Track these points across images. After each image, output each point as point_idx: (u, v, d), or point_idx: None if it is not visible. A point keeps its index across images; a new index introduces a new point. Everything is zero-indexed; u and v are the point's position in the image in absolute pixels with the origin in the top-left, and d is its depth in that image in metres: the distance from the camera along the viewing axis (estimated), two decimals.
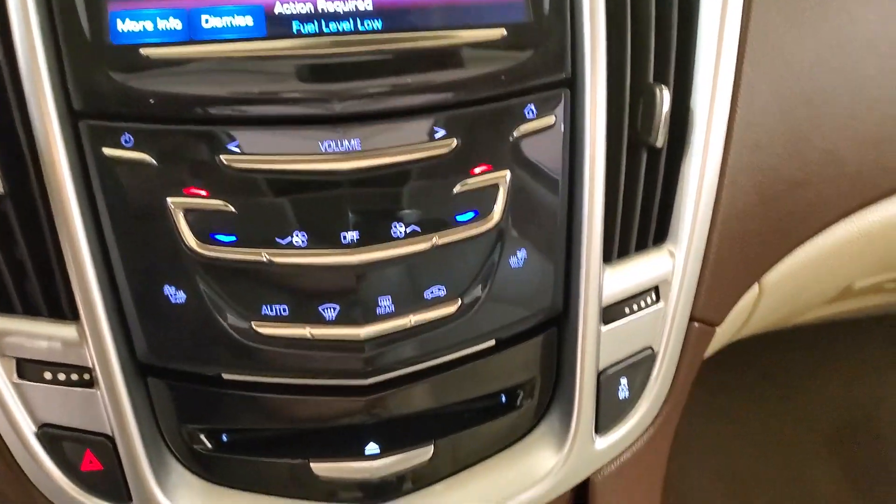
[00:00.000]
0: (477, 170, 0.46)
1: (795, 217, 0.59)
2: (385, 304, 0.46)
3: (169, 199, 0.43)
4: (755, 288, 0.61)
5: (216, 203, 0.43)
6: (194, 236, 0.43)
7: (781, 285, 0.63)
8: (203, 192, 0.43)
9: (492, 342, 0.50)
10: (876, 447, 1.35)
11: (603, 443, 0.53)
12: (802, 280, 0.66)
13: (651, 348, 0.54)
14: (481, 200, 0.46)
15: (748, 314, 0.62)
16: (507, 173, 0.46)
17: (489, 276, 0.47)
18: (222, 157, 0.42)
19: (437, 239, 0.45)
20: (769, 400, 1.39)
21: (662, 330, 0.54)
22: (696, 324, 0.56)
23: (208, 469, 0.50)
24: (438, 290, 0.47)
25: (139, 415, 0.46)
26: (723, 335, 0.64)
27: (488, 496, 0.50)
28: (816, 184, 0.59)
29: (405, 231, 0.45)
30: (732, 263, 0.57)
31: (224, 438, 0.49)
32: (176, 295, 0.44)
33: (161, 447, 0.49)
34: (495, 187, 0.46)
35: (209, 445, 0.49)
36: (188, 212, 0.43)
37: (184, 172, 0.42)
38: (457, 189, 0.45)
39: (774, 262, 0.60)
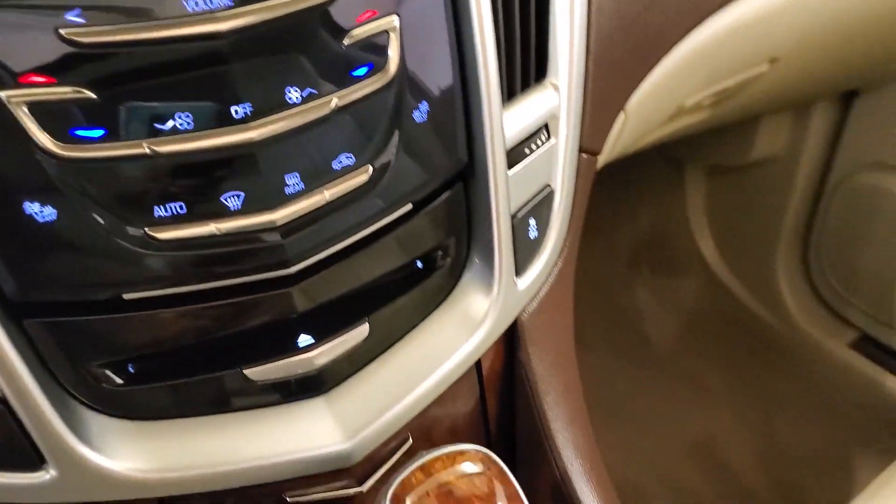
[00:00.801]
0: (363, 17, 0.41)
1: (649, 39, 0.61)
2: (293, 182, 0.41)
3: (2, 94, 0.34)
4: (622, 114, 0.63)
5: (66, 91, 0.35)
6: (50, 136, 0.36)
7: (639, 109, 0.66)
8: (46, 79, 0.35)
9: (409, 206, 0.47)
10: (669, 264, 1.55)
11: (524, 283, 0.54)
12: (653, 102, 0.69)
13: (549, 185, 0.55)
14: (374, 51, 0.42)
15: (614, 140, 0.65)
16: (395, 18, 0.42)
17: (396, 135, 0.44)
18: (62, 30, 0.34)
19: (337, 100, 0.41)
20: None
21: (557, 166, 0.55)
22: (584, 155, 0.57)
23: (130, 406, 0.44)
24: (347, 159, 0.43)
25: (31, 365, 0.39)
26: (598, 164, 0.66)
27: (432, 357, 0.49)
28: (661, 3, 0.61)
29: (301, 95, 0.40)
30: (606, 91, 0.58)
31: (139, 368, 0.43)
32: (42, 212, 0.37)
33: (65, 396, 0.42)
34: (385, 35, 0.42)
35: (121, 380, 0.42)
36: (34, 106, 0.35)
37: (13, 56, 0.34)
38: (347, 41, 0.41)
39: (636, 87, 0.62)
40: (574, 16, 0.53)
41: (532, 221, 0.53)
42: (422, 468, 0.36)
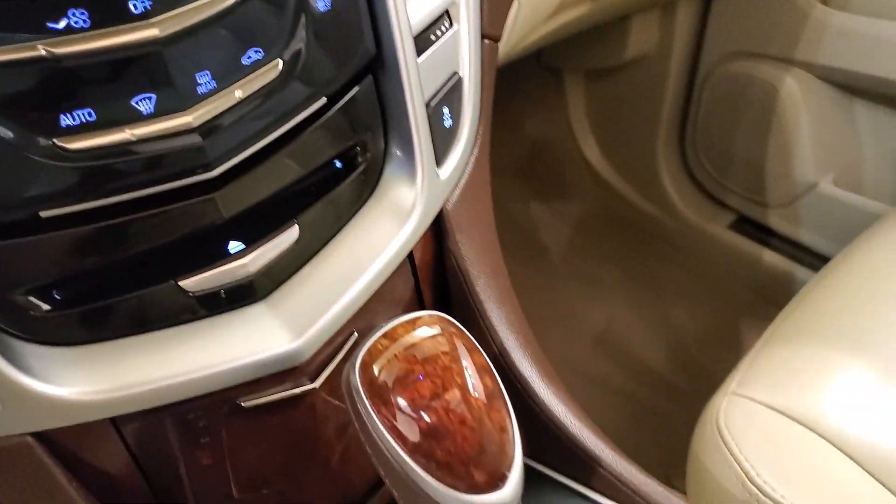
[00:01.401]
0: None
1: None
2: (205, 80, 0.40)
3: None
4: (515, 2, 0.64)
5: None
6: None
7: None
8: None
9: (323, 100, 0.46)
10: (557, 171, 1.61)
11: (444, 172, 0.54)
12: None
13: (457, 73, 0.55)
14: None
15: (510, 28, 0.66)
16: None
17: (301, 26, 0.43)
18: None
19: None
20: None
21: (463, 51, 0.55)
22: (486, 41, 0.58)
23: (66, 332, 0.42)
24: (256, 54, 0.41)
25: None
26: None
27: (367, 252, 0.49)
28: None
29: None
30: None
31: (66, 292, 0.41)
32: None
33: None
34: None
35: (49, 306, 0.40)
36: None
37: None
38: None
39: None
40: None
41: (445, 110, 0.54)
42: (386, 335, 0.37)
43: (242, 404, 0.46)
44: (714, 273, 1.42)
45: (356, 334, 0.50)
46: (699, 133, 1.36)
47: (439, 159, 0.53)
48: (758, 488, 0.54)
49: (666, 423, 1.24)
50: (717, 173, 1.37)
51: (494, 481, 0.35)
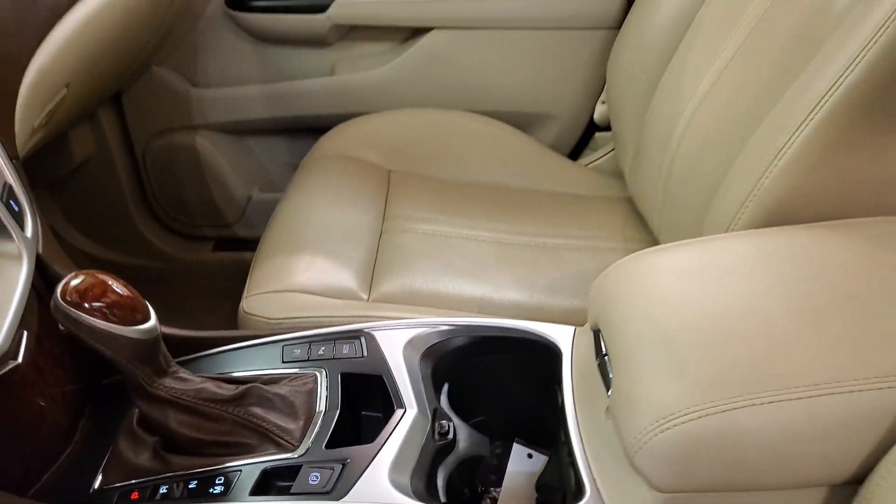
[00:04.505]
0: None
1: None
2: None
3: None
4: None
5: None
6: None
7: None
8: None
9: None
10: None
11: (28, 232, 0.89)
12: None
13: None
14: None
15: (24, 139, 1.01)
16: None
17: None
18: None
19: None
20: None
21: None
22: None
23: None
24: None
25: None
26: None
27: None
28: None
29: None
30: None
31: None
32: None
33: None
34: None
35: None
36: None
37: None
38: None
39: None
40: None
41: (11, 202, 0.88)
42: (65, 284, 0.72)
43: None
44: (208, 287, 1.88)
45: None
46: (159, 194, 1.82)
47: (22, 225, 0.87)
48: None
49: None
50: (185, 217, 1.86)
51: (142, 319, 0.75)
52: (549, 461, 0.81)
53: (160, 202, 1.83)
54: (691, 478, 0.64)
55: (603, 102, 1.59)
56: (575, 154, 1.67)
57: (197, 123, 1.72)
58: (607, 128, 1.56)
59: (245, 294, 1.11)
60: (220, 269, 1.88)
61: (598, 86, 1.59)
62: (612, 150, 1.54)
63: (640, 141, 1.29)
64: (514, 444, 0.81)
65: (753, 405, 0.61)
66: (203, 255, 1.88)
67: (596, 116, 1.61)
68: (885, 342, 0.64)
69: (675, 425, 0.62)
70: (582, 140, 1.67)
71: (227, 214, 1.83)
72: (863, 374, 0.61)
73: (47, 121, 1.21)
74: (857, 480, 0.62)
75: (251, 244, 1.85)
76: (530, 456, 0.83)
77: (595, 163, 1.58)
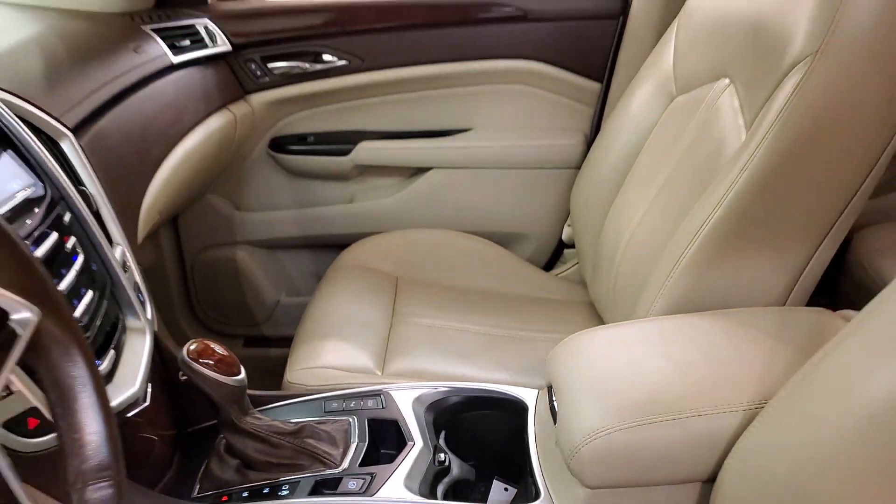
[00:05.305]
0: None
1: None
2: None
3: None
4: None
5: None
6: None
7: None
8: None
9: None
10: None
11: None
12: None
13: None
14: None
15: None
16: None
17: None
18: None
19: None
20: None
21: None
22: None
23: None
24: None
25: None
26: None
27: None
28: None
29: None
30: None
31: None
32: None
33: None
34: None
35: None
36: None
37: None
38: None
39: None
40: None
41: None
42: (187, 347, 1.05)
43: None
44: None
45: None
46: (201, 297, 2.17)
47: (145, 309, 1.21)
48: None
49: None
50: (221, 317, 2.20)
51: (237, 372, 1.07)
52: (518, 491, 1.13)
53: (200, 303, 2.18)
54: (609, 476, 0.95)
55: (569, 225, 1.98)
56: (548, 266, 2.06)
57: (238, 240, 2.10)
58: (572, 245, 1.95)
59: (287, 369, 1.44)
60: (248, 364, 2.20)
61: (565, 212, 1.99)
62: (577, 263, 1.92)
63: (596, 256, 1.65)
64: (494, 481, 1.13)
65: (647, 424, 0.94)
66: (234, 350, 2.20)
67: (564, 236, 2.00)
68: (729, 384, 0.97)
69: (596, 438, 0.94)
70: (553, 255, 2.06)
71: (257, 315, 2.18)
72: (714, 404, 0.95)
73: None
74: (713, 478, 0.94)
75: (276, 342, 2.21)
76: (506, 489, 1.15)
77: (563, 273, 1.95)
